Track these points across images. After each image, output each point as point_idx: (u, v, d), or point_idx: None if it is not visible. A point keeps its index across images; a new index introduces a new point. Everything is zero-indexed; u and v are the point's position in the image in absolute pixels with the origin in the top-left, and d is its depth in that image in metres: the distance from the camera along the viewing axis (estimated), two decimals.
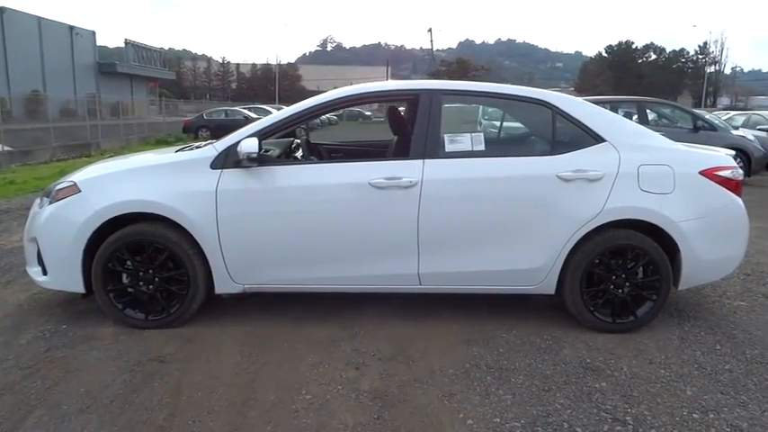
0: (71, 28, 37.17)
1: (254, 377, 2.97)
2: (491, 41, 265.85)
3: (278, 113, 3.64)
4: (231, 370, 3.04)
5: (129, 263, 3.52)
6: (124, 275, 3.55)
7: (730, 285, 4.65)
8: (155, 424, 2.50)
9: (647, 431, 2.52)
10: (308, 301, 3.97)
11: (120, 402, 2.68)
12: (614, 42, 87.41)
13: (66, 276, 3.54)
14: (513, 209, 3.50)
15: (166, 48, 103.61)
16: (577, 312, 3.61)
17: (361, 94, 3.71)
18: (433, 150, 3.52)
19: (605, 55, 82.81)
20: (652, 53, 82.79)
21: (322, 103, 3.65)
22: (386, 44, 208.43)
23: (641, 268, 3.58)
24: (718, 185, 3.59)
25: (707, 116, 12.81)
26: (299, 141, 4.28)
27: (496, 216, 3.50)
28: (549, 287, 3.59)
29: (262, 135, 3.51)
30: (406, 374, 3.02)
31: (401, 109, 4.50)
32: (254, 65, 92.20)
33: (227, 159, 3.47)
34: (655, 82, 72.55)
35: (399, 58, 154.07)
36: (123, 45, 49.53)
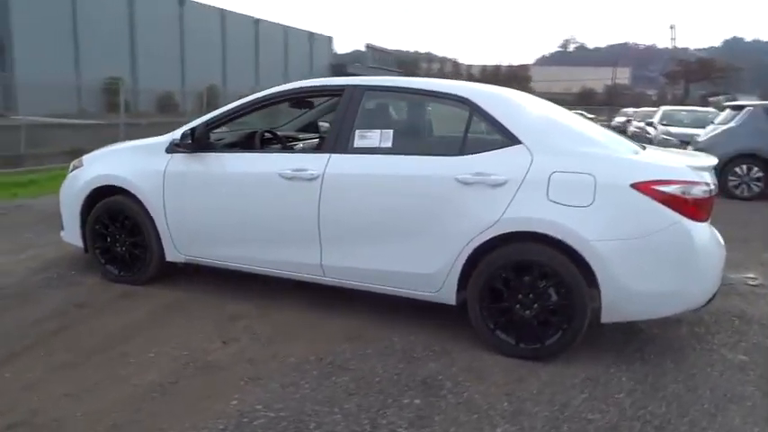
0: (311, 34, 42.17)
1: (137, 333, 3.40)
2: (766, 38, 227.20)
3: (215, 111, 3.99)
4: (125, 323, 3.51)
5: (109, 227, 4.23)
6: (108, 237, 4.28)
7: (745, 335, 3.71)
8: (8, 348, 3.11)
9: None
10: (258, 280, 4.22)
11: (17, 330, 3.35)
12: None
13: (73, 233, 4.40)
14: (408, 209, 3.36)
15: (412, 51, 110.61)
16: (477, 328, 3.32)
17: (290, 90, 3.86)
18: (342, 145, 3.55)
19: None
20: None
21: (253, 101, 3.89)
22: (634, 43, 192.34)
23: (554, 291, 3.15)
24: (656, 203, 2.98)
25: None
26: (267, 131, 4.56)
27: (392, 215, 3.40)
28: (449, 297, 3.37)
29: (204, 127, 3.88)
30: (249, 354, 3.17)
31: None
32: (484, 66, 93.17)
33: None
34: None
35: (647, 59, 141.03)
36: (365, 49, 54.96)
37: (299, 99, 3.98)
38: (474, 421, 2.61)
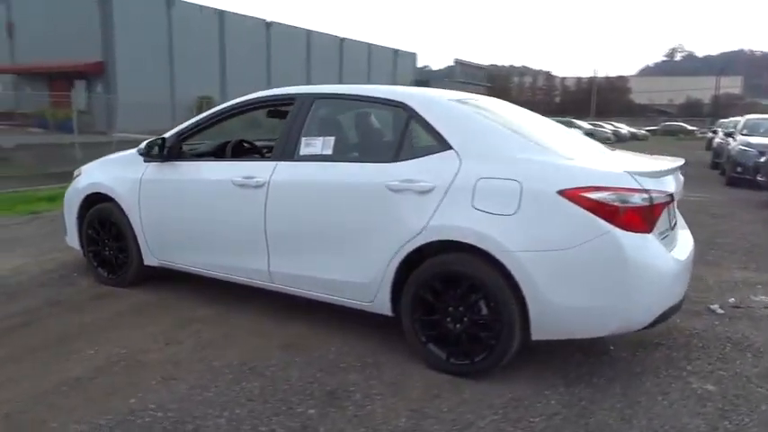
0: (395, 51, 42.74)
1: (92, 331, 3.56)
2: None
3: (186, 122, 4.13)
4: (86, 322, 3.70)
5: (100, 232, 4.49)
6: (98, 242, 4.54)
7: (729, 364, 3.29)
8: None
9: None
10: (232, 286, 4.26)
11: None
12: None
13: (73, 237, 4.71)
14: (343, 216, 3.31)
15: (507, 65, 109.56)
16: (409, 341, 3.20)
17: (247, 101, 3.90)
18: (289, 153, 3.56)
19: None
20: None
21: (215, 113, 4.00)
22: (749, 50, 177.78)
23: (484, 304, 2.97)
24: (585, 211, 2.73)
25: None
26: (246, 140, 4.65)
27: (329, 222, 3.36)
28: (384, 307, 3.27)
29: (176, 137, 4.05)
30: (181, 356, 3.23)
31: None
32: (579, 78, 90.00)
33: None
34: None
35: (764, 66, 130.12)
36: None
37: (257, 109, 4.02)
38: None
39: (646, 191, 2.77)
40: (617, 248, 2.70)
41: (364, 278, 3.26)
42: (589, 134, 30.79)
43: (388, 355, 3.29)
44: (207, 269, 3.97)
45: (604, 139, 32.25)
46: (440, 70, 66.64)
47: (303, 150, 3.53)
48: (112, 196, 4.30)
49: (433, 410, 2.72)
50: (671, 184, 3.03)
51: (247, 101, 3.92)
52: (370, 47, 40.23)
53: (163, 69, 27.47)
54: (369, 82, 39.56)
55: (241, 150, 4.43)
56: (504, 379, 3.01)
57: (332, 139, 3.47)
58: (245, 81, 29.68)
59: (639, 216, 2.75)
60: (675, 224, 3.33)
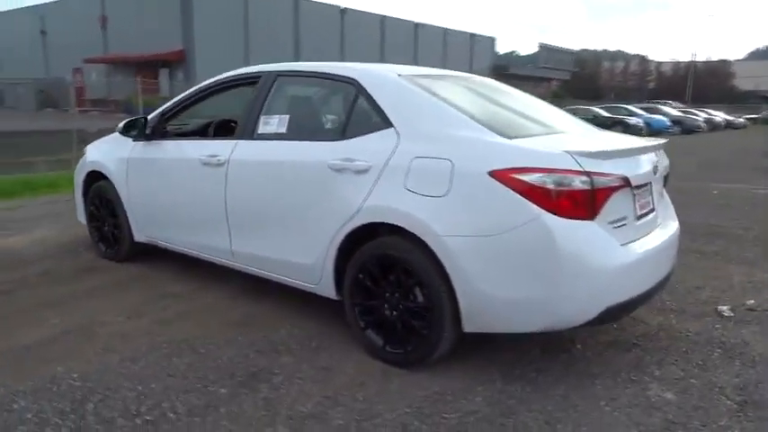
0: (472, 35, 41.82)
1: (65, 302, 3.70)
2: None
3: (169, 102, 4.18)
4: (64, 293, 3.87)
5: (100, 209, 4.68)
6: (98, 218, 4.73)
7: (708, 371, 2.93)
8: None
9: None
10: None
11: None
12: None
13: (81, 213, 4.95)
14: (290, 196, 3.25)
15: (600, 49, 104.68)
16: (351, 326, 3.10)
17: (220, 80, 3.89)
18: (249, 131, 3.54)
19: None
20: None
21: (194, 92, 4.03)
22: None
23: (419, 291, 2.81)
24: (515, 194, 2.51)
25: None
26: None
27: (278, 202, 3.31)
28: (329, 290, 3.19)
29: (159, 116, 4.13)
30: (133, 330, 3.29)
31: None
32: (676, 63, 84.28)
33: None
34: None
35: None
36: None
37: (232, 87, 3.98)
38: (257, 418, 2.44)
39: (586, 173, 2.49)
40: (548, 235, 2.45)
41: (308, 259, 3.19)
42: (677, 122, 28.94)
43: (333, 339, 3.21)
44: (183, 246, 4.04)
45: (695, 127, 30.03)
46: (526, 56, 64.55)
47: (261, 129, 3.49)
48: (106, 174, 4.46)
49: (348, 399, 2.61)
50: (630, 168, 2.72)
51: (222, 79, 3.92)
52: (445, 31, 39.61)
53: (239, 56, 28.35)
54: (444, 65, 39.01)
55: (227, 129, 4.45)
56: (442, 371, 2.84)
57: (287, 118, 3.41)
58: None
59: (578, 201, 2.49)
60: (649, 212, 2.99)
